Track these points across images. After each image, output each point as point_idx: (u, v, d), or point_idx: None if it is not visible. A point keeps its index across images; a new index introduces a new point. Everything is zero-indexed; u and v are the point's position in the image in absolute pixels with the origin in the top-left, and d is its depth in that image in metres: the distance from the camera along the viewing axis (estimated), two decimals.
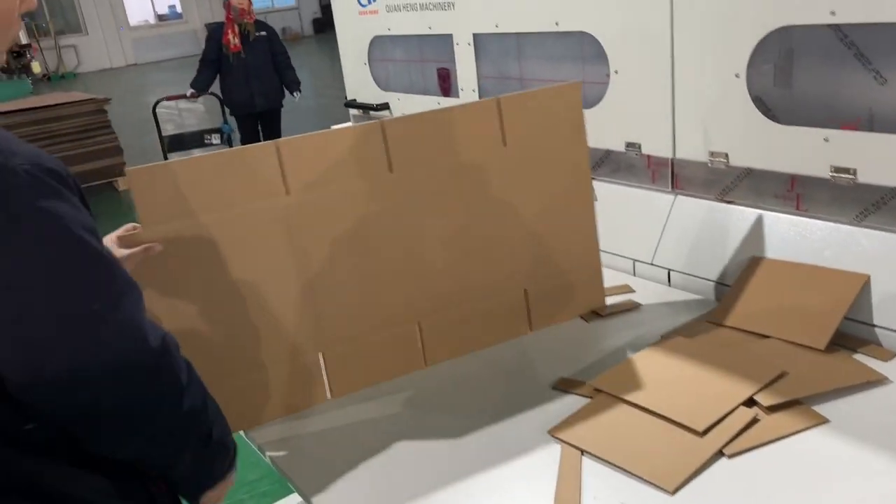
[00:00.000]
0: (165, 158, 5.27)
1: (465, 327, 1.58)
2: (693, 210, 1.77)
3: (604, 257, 1.94)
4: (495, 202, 1.57)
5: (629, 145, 1.88)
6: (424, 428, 1.35)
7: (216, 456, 1.01)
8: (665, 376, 1.36)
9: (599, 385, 1.35)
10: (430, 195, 1.53)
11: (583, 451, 1.20)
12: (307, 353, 1.46)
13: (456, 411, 1.38)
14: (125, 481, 0.95)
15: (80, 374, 0.80)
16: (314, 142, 1.43)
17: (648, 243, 1.85)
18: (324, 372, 1.47)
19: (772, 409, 1.24)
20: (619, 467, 1.16)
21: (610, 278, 1.87)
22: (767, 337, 1.46)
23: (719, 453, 1.17)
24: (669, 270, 1.79)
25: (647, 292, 1.78)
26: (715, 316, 1.57)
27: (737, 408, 1.24)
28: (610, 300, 1.74)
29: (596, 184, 2.00)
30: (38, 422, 0.86)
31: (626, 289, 1.80)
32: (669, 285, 1.80)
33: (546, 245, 1.64)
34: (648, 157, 1.85)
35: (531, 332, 1.64)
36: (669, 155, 1.79)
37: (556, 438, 1.24)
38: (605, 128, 1.93)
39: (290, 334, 1.44)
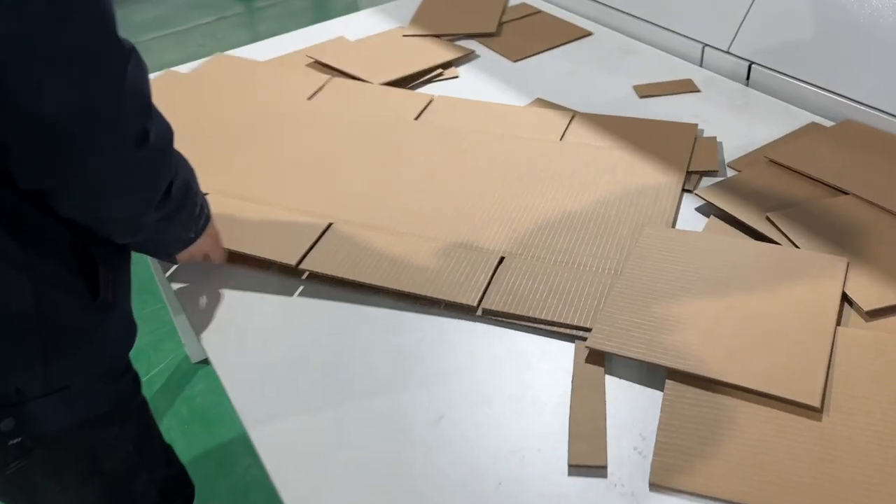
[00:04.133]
0: None
1: None
2: None
3: (663, 39, 1.46)
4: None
5: None
6: None
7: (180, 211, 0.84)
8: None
9: None
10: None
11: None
12: (314, 213, 1.08)
13: None
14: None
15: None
16: None
17: (727, 22, 1.36)
18: (316, 238, 1.03)
19: None
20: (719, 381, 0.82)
21: (670, 69, 1.40)
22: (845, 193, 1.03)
23: None
24: (751, 64, 1.32)
25: (716, 92, 1.32)
26: (774, 149, 1.13)
27: None
28: (669, 102, 1.30)
29: None
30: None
31: (689, 86, 1.34)
32: (748, 84, 1.34)
33: None
34: None
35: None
36: None
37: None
38: None
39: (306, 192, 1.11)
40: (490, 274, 0.95)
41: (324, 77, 1.41)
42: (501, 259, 0.98)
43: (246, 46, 1.62)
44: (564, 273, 0.95)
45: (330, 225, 1.04)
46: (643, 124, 1.23)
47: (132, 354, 0.90)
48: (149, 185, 0.75)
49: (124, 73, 0.64)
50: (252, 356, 0.89)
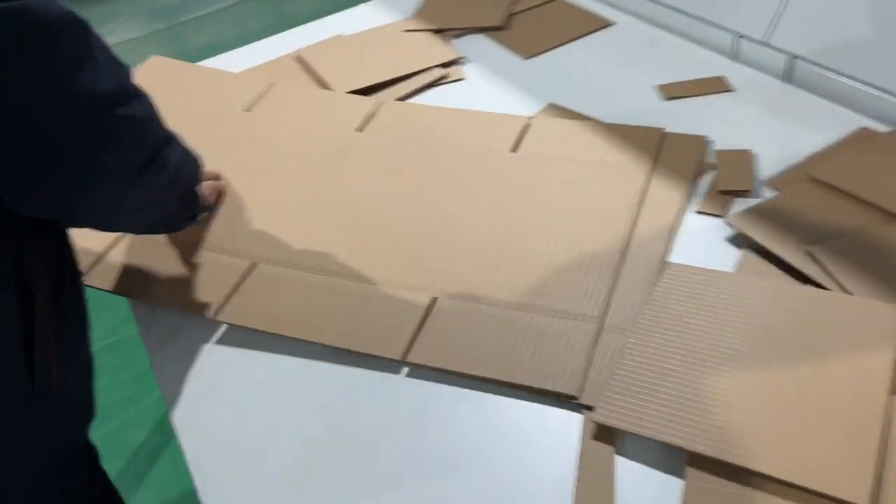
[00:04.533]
0: None
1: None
2: None
3: (692, 28, 1.31)
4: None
5: None
6: None
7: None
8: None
9: None
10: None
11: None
12: (235, 252, 0.98)
13: None
14: None
15: None
16: None
17: (765, 9, 1.20)
18: (237, 283, 0.94)
19: None
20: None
21: (699, 64, 1.25)
22: None
23: None
24: (793, 58, 1.16)
25: (752, 92, 1.17)
26: (819, 165, 0.98)
27: None
28: (696, 106, 1.16)
29: None
30: None
31: (721, 84, 1.19)
32: (789, 81, 1.18)
33: None
34: None
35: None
36: None
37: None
38: None
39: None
40: (419, 321, 0.84)
41: (264, 84, 1.28)
42: (434, 300, 0.87)
43: (238, 49, 1.51)
44: (516, 319, 0.84)
45: (254, 266, 0.95)
46: (608, 130, 1.10)
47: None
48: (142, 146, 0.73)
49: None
50: (224, 433, 0.79)
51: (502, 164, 1.06)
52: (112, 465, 1.57)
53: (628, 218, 0.94)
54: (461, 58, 1.35)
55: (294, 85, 1.29)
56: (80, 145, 0.63)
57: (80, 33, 0.62)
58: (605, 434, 0.73)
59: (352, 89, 1.27)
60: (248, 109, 1.22)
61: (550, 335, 0.81)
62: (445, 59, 1.33)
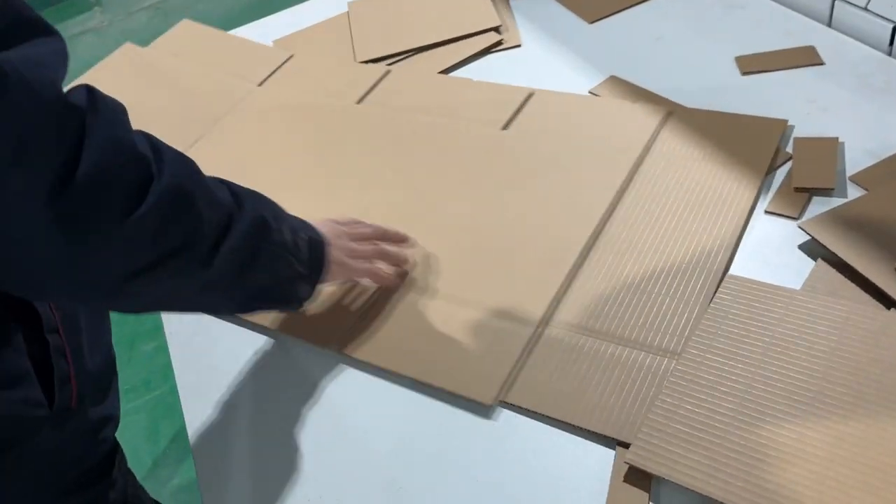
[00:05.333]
0: None
1: None
2: None
3: None
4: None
5: None
6: None
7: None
8: None
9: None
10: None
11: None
12: None
13: None
14: None
15: None
16: None
17: None
18: None
19: None
20: None
21: (787, 30, 1.11)
22: None
23: None
24: None
25: (846, 65, 1.02)
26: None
27: None
28: (776, 79, 1.02)
29: None
30: None
31: (810, 56, 1.05)
32: (890, 53, 1.03)
33: None
34: None
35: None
36: None
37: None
38: None
39: None
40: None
41: (284, 54, 1.26)
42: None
43: (293, 7, 1.44)
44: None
45: None
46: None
47: None
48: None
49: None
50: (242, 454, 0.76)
51: (492, 141, 1.00)
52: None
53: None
54: (517, 21, 1.24)
55: (310, 57, 1.26)
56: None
57: None
58: (638, 478, 0.65)
59: (382, 55, 1.22)
60: (260, 84, 1.20)
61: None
62: (499, 22, 1.23)
